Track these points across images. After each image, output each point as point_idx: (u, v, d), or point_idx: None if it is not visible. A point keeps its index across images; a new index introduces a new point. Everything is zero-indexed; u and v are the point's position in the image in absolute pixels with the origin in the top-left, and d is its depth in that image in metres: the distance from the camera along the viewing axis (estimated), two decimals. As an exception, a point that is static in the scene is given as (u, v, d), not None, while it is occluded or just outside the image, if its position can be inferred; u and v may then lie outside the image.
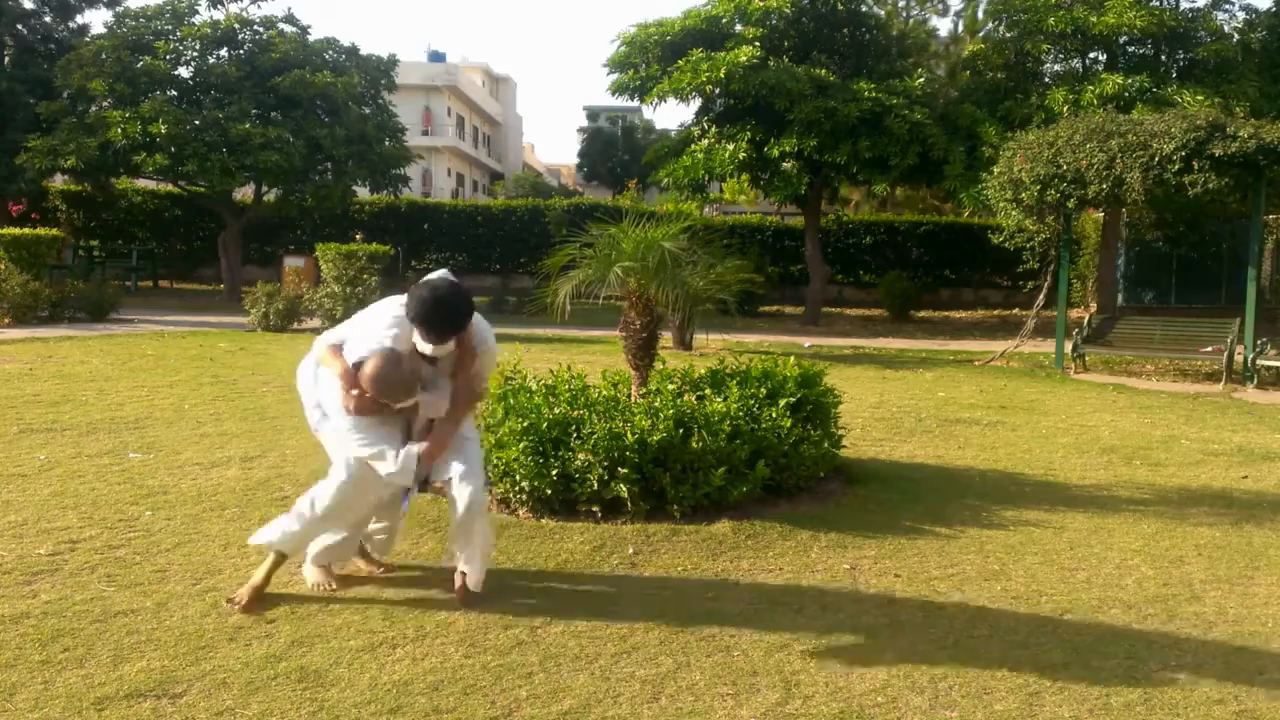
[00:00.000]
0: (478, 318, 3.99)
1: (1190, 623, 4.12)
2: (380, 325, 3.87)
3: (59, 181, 25.95)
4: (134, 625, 3.74)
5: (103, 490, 5.58)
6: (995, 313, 24.64)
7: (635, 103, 21.59)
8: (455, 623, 3.87)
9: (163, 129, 19.12)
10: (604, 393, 5.76)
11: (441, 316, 3.76)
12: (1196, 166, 11.65)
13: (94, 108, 20.88)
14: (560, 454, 5.18)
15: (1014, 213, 13.57)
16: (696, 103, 20.88)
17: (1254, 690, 3.50)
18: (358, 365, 3.84)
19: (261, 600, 3.98)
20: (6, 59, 23.34)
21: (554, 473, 5.14)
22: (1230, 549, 5.14)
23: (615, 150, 62.00)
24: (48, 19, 24.20)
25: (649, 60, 20.33)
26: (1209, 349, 12.58)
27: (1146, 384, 12.10)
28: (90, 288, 16.66)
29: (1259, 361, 12.00)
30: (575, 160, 66.93)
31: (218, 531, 4.87)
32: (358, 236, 19.83)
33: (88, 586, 4.12)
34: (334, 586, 4.20)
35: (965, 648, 3.81)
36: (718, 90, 19.56)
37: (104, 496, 5.45)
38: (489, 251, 27.46)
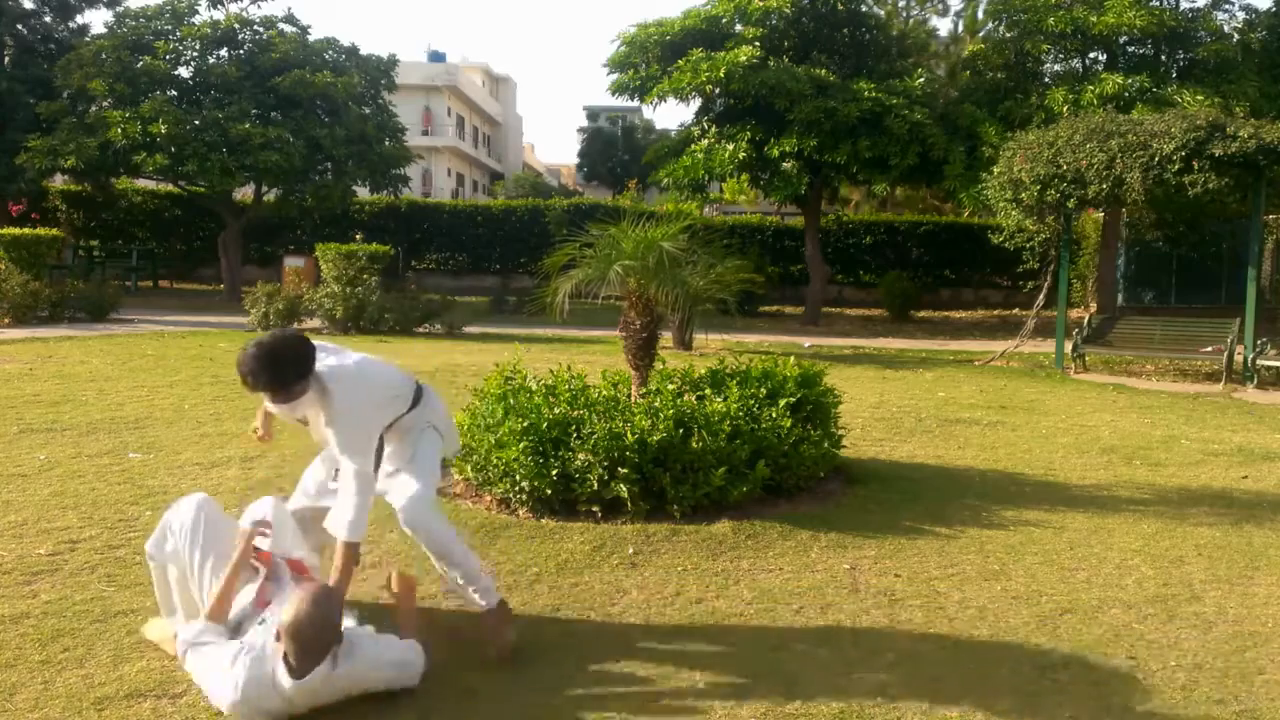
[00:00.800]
0: (341, 379, 3.46)
1: (1190, 622, 4.12)
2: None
3: (59, 181, 25.95)
4: (134, 625, 3.74)
5: (103, 490, 5.58)
6: (995, 313, 24.64)
7: (635, 103, 21.59)
8: (455, 626, 3.87)
9: (163, 129, 19.13)
10: (604, 393, 5.76)
11: (261, 367, 3.29)
12: (1196, 166, 11.64)
13: (94, 108, 20.90)
14: (560, 454, 5.18)
15: (1014, 213, 13.57)
16: (696, 103, 20.89)
17: (1254, 690, 3.50)
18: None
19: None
20: (6, 59, 23.36)
21: (554, 473, 5.14)
22: (1230, 549, 5.14)
23: (615, 150, 62.01)
24: (48, 19, 24.22)
25: (649, 60, 20.33)
26: (1209, 349, 12.58)
27: (1146, 384, 12.10)
28: (90, 288, 16.66)
29: (1259, 361, 11.99)
30: (575, 160, 66.95)
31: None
32: (358, 236, 19.85)
33: (88, 586, 4.12)
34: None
35: (965, 648, 3.81)
36: (718, 90, 19.56)
37: (104, 496, 5.45)
38: (489, 251, 27.46)
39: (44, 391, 8.69)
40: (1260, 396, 11.13)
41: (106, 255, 24.81)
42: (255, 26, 21.94)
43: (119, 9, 23.32)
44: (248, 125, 19.65)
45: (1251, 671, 3.66)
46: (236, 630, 3.28)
